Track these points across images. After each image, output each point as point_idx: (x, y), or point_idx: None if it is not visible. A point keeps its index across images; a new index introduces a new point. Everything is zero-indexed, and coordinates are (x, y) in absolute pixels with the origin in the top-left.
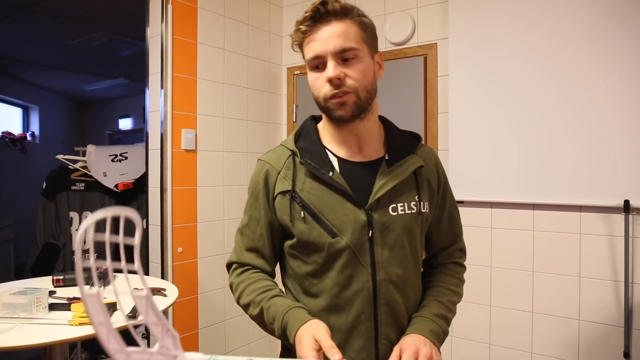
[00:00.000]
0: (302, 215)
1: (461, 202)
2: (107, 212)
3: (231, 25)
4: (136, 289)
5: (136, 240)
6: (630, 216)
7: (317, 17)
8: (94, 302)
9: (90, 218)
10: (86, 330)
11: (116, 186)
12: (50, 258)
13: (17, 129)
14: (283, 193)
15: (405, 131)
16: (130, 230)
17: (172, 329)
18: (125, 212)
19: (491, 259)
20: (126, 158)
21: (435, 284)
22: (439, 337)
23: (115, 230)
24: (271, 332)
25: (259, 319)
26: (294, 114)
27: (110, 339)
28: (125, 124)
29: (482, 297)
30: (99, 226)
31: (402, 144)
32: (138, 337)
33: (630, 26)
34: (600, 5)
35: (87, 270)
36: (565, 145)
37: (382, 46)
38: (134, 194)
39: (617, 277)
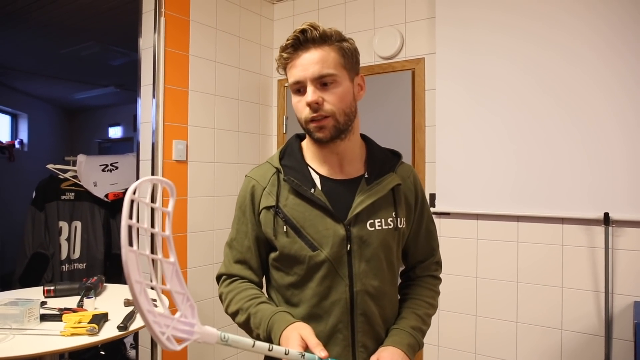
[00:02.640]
0: (285, 230)
1: (447, 214)
2: (149, 178)
3: (223, 38)
4: (127, 299)
5: (170, 208)
6: (610, 228)
7: (297, 45)
8: (133, 259)
9: (138, 181)
10: (78, 341)
11: (106, 196)
12: (38, 268)
13: (5, 137)
14: (267, 208)
15: (387, 149)
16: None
17: (191, 299)
18: (165, 180)
19: (477, 269)
20: (117, 168)
21: (412, 296)
22: (414, 350)
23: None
24: (256, 337)
25: (246, 325)
26: (284, 125)
27: (142, 297)
28: (115, 132)
29: (468, 308)
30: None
31: (382, 163)
32: (162, 302)
33: (622, 30)
34: (594, 10)
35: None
36: (549, 158)
37: (371, 60)
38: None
39: (598, 287)
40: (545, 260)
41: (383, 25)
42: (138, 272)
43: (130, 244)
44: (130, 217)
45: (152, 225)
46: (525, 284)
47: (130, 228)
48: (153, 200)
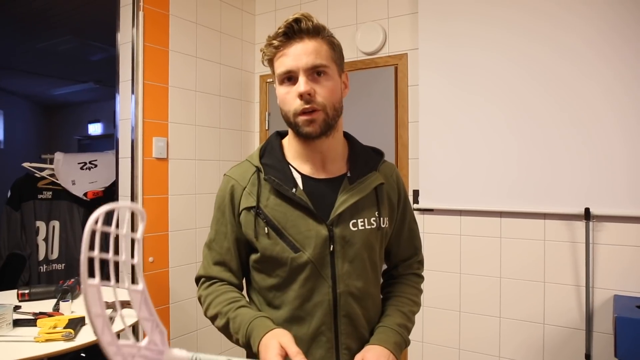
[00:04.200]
0: (266, 231)
1: (431, 210)
2: (115, 205)
3: (203, 33)
4: (106, 302)
5: (139, 234)
6: (591, 223)
7: (290, 34)
8: (94, 293)
9: (100, 209)
10: (53, 347)
11: (85, 194)
12: (15, 269)
13: None
14: (248, 209)
15: (369, 147)
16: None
17: (161, 325)
18: (133, 206)
19: (460, 265)
20: (96, 166)
21: (396, 294)
22: (401, 348)
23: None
24: (236, 342)
25: (225, 329)
26: (267, 121)
27: (104, 330)
28: (95, 129)
29: (452, 303)
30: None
31: (365, 161)
32: (129, 331)
33: (601, 12)
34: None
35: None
36: (530, 154)
37: (354, 55)
38: (104, 202)
39: (579, 282)
40: (528, 255)
41: (365, 21)
42: (99, 305)
43: (92, 274)
44: (92, 247)
45: (118, 252)
46: (508, 280)
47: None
48: (118, 225)
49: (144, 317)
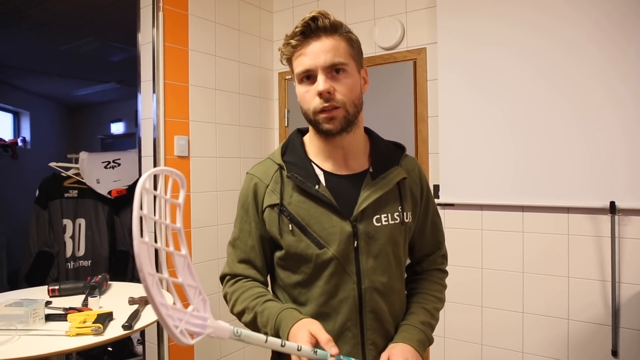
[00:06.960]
0: (290, 228)
1: (452, 205)
2: (159, 169)
3: (222, 32)
4: (131, 297)
5: (180, 199)
6: (616, 217)
7: (308, 32)
8: (145, 252)
9: (147, 172)
10: (83, 341)
11: (109, 193)
12: (44, 266)
13: (7, 135)
14: (271, 206)
15: (390, 142)
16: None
17: (204, 292)
18: (174, 171)
19: (482, 260)
20: (119, 164)
21: (420, 290)
22: (424, 345)
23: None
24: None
25: (253, 324)
26: (286, 118)
27: (155, 289)
28: (117, 128)
29: (474, 299)
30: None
31: (386, 156)
32: (174, 294)
33: (621, 22)
34: (595, 2)
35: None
36: (553, 147)
37: (372, 51)
38: (128, 200)
39: (605, 276)
40: (551, 250)
41: (383, 16)
42: (150, 265)
43: (142, 235)
44: (141, 208)
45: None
46: (531, 274)
47: (141, 219)
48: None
49: (188, 283)
